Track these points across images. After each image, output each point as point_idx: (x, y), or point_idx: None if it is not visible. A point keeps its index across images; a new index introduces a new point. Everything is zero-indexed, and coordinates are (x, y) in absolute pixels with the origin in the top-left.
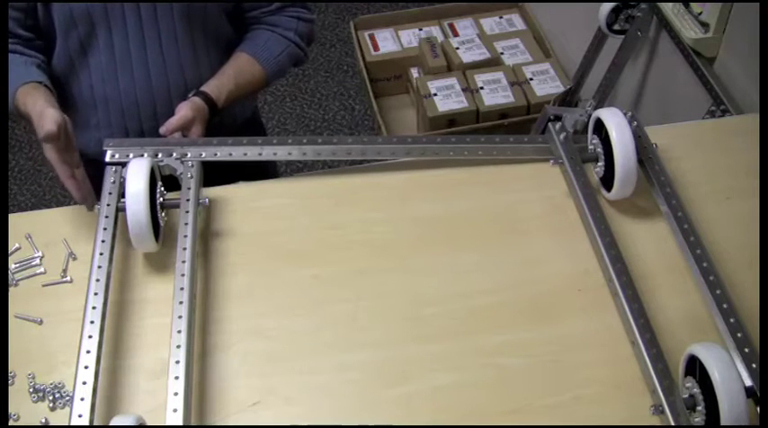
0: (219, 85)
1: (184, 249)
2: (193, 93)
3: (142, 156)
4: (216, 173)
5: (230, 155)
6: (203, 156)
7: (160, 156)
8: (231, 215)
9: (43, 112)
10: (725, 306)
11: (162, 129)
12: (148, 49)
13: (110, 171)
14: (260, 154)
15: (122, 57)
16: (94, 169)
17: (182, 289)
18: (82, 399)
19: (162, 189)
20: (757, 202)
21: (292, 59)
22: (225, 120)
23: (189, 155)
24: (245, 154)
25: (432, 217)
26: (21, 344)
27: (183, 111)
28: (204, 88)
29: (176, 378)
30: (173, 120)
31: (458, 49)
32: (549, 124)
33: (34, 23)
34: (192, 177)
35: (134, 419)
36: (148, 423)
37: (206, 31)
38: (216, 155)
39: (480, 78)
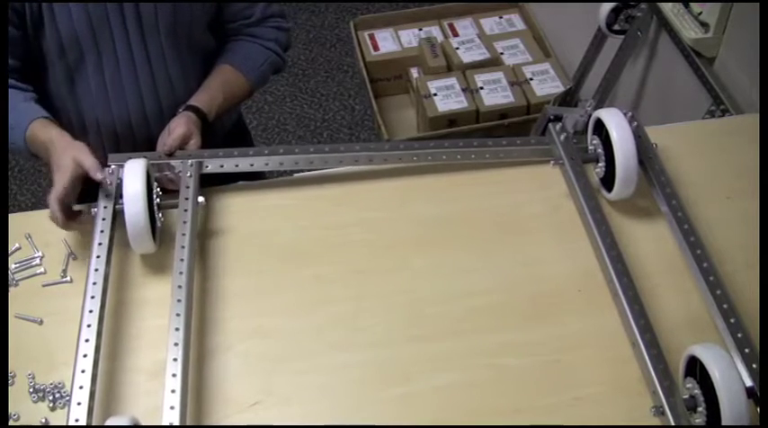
0: (210, 100)
1: (183, 248)
2: (184, 108)
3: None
4: (216, 174)
5: (236, 166)
6: (209, 168)
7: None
8: (231, 215)
9: (76, 154)
10: (725, 306)
11: (164, 149)
12: (139, 71)
13: (106, 172)
14: (266, 163)
15: (113, 82)
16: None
17: (180, 287)
18: (78, 404)
19: (158, 189)
20: (757, 202)
21: (273, 68)
22: (215, 128)
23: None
24: (252, 164)
25: (432, 217)
26: (21, 344)
27: (181, 128)
28: (195, 103)
29: (173, 375)
30: (171, 141)
31: (458, 49)
32: (550, 125)
33: (23, 52)
34: (191, 176)
35: (128, 419)
36: (146, 424)
37: (192, 45)
38: (222, 166)
39: (480, 78)
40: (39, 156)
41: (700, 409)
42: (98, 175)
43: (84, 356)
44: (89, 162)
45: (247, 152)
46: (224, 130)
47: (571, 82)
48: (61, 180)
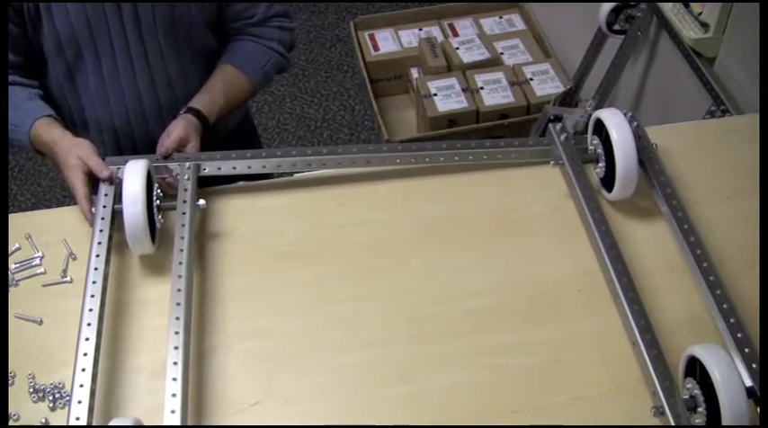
0: (211, 101)
1: (181, 250)
2: (185, 110)
3: None
4: (216, 175)
5: (234, 169)
6: (206, 170)
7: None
8: (231, 215)
9: (82, 153)
10: (725, 306)
11: (160, 151)
12: (137, 69)
13: (112, 170)
14: (264, 166)
15: (111, 79)
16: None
17: (179, 290)
18: (79, 402)
19: (158, 191)
20: (757, 202)
21: (277, 68)
22: (218, 127)
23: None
24: (249, 166)
25: (432, 217)
26: (21, 344)
27: (178, 131)
28: (196, 105)
29: (174, 379)
30: (168, 143)
31: (458, 49)
32: (550, 125)
33: (24, 49)
34: (188, 179)
35: (131, 420)
36: (148, 424)
37: (191, 44)
38: (219, 169)
39: (480, 78)
40: (44, 154)
41: (700, 409)
42: (104, 173)
43: (85, 354)
44: (94, 161)
45: (245, 154)
46: (227, 130)
47: (571, 82)
48: (78, 178)
